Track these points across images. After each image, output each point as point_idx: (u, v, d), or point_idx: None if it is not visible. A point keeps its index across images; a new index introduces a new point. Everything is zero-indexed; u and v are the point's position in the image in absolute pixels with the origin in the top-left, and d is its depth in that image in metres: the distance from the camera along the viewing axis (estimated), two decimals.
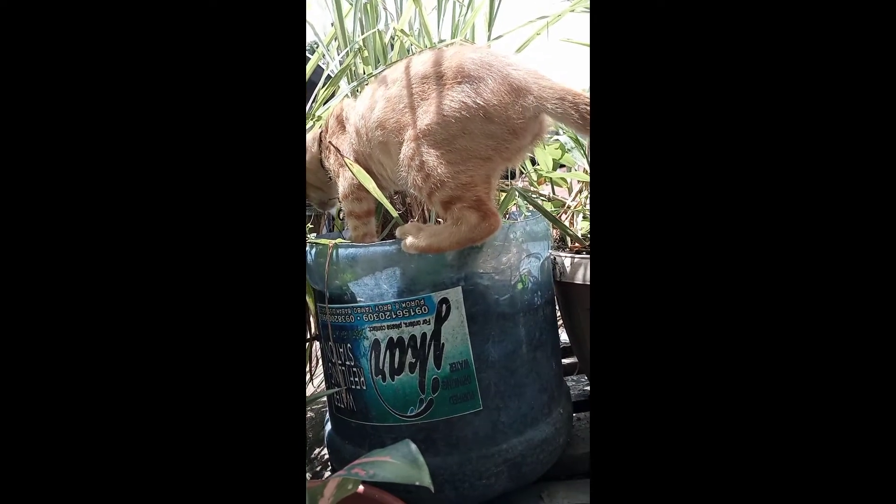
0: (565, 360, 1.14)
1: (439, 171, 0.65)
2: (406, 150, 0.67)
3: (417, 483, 0.47)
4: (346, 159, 0.75)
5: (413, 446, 0.50)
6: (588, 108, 0.61)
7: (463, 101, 0.63)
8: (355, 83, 0.85)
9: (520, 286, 0.75)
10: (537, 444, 0.76)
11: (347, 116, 0.78)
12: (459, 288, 0.71)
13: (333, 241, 0.75)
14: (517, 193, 0.78)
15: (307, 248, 0.78)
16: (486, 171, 0.66)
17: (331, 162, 0.80)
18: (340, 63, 0.84)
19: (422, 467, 0.48)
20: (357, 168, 0.73)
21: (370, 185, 0.71)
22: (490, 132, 0.63)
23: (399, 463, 0.48)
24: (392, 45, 0.90)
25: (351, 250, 0.73)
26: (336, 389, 0.78)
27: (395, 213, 0.71)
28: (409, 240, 0.69)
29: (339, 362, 0.77)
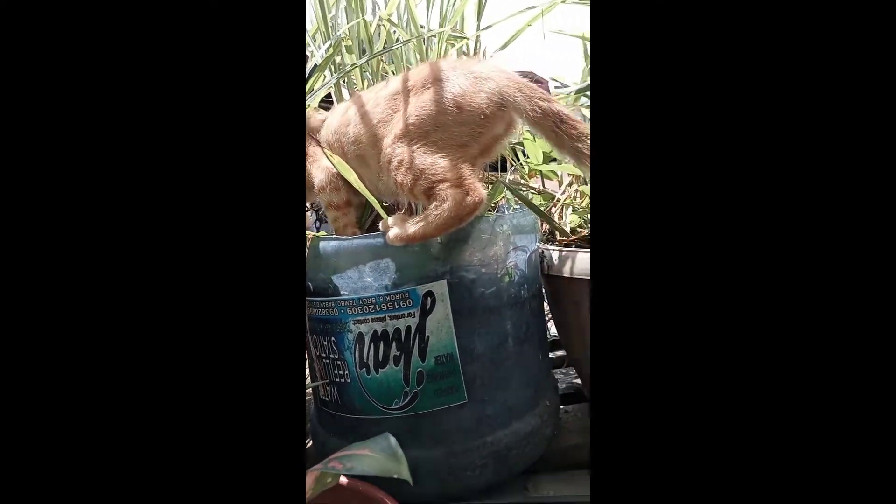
0: (554, 353, 1.14)
1: (418, 162, 0.66)
2: (384, 155, 0.70)
3: (396, 476, 0.46)
4: (325, 151, 0.75)
5: (392, 439, 0.49)
6: (541, 103, 0.65)
7: (432, 100, 0.67)
8: (339, 74, 0.84)
9: (506, 279, 0.75)
10: (523, 437, 0.76)
11: (315, 128, 0.81)
12: (444, 281, 0.71)
13: (314, 234, 0.74)
14: (505, 186, 0.77)
15: None
16: (464, 156, 0.68)
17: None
18: (325, 54, 0.83)
19: (400, 460, 0.48)
20: (337, 159, 0.73)
21: (351, 176, 0.71)
22: (462, 120, 0.66)
23: (378, 456, 0.48)
24: (378, 35, 0.89)
25: (334, 243, 0.72)
26: (320, 382, 0.78)
27: (377, 205, 0.71)
28: (394, 231, 0.68)
29: (323, 355, 0.77)
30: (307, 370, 0.83)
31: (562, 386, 1.04)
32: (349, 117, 0.76)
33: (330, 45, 0.82)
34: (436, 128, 0.67)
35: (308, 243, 0.73)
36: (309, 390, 0.83)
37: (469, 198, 0.65)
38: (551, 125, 0.65)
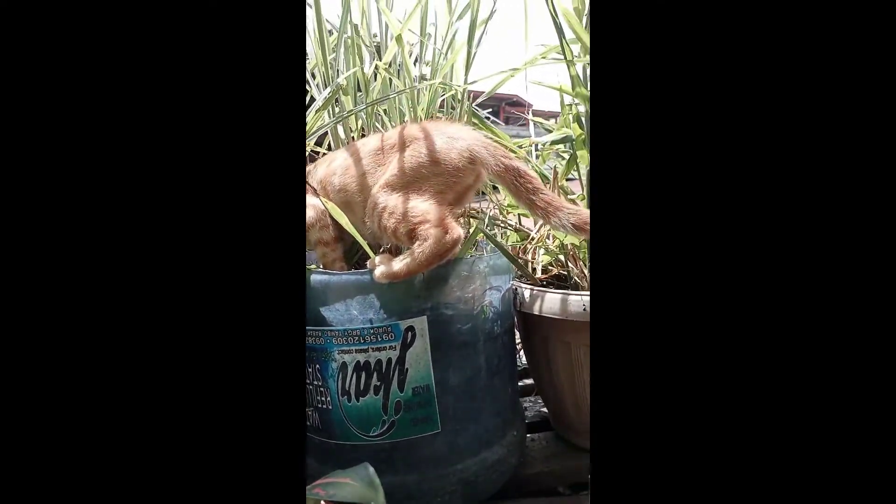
0: (524, 382, 1.20)
1: (401, 208, 0.75)
2: (370, 202, 0.78)
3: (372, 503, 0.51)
4: (319, 196, 0.81)
5: (371, 469, 0.54)
6: (504, 160, 0.76)
7: (412, 156, 0.77)
8: (338, 118, 0.90)
9: (482, 316, 0.81)
10: (490, 465, 0.82)
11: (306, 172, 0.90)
12: (425, 317, 0.76)
13: (307, 267, 0.79)
14: (481, 230, 0.84)
15: None
16: (443, 202, 0.76)
17: None
18: (326, 97, 0.89)
19: (377, 489, 0.53)
20: (330, 204, 0.79)
21: (343, 219, 0.77)
22: (438, 171, 0.76)
23: (357, 484, 0.53)
24: (375, 79, 0.95)
25: (324, 277, 0.77)
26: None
27: (364, 244, 0.77)
28: (381, 269, 0.74)
29: (308, 381, 0.81)
30: None
31: (530, 414, 1.10)
32: (334, 168, 0.84)
33: (330, 91, 0.88)
34: (416, 179, 0.76)
35: None
36: None
37: (448, 236, 0.71)
38: (511, 178, 0.76)
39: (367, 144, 0.83)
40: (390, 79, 0.96)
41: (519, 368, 1.03)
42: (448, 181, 0.76)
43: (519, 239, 1.05)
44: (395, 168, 0.77)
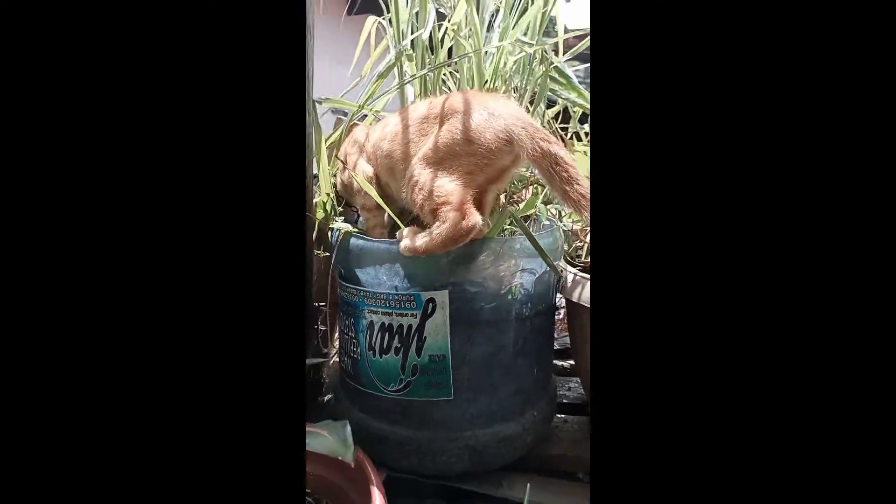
0: (567, 362, 1.18)
1: (430, 185, 0.75)
2: (407, 173, 0.79)
3: (340, 458, 0.58)
4: (352, 172, 0.87)
5: (348, 428, 0.61)
6: (542, 144, 0.71)
7: (449, 131, 0.75)
8: (399, 83, 0.91)
9: (508, 297, 0.81)
10: (501, 439, 0.84)
11: (361, 141, 0.92)
12: (447, 291, 0.78)
13: (346, 229, 0.85)
14: (511, 214, 0.81)
15: (334, 231, 0.90)
16: (470, 183, 0.75)
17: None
18: (390, 62, 0.90)
19: (349, 447, 0.59)
20: (360, 177, 0.84)
21: (372, 192, 0.81)
22: (471, 151, 0.74)
23: (332, 439, 0.59)
24: (442, 43, 0.94)
25: (360, 242, 0.83)
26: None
27: (394, 216, 0.80)
28: (405, 242, 0.77)
29: (345, 331, 0.90)
30: (336, 341, 0.98)
31: (571, 395, 1.08)
32: (385, 133, 0.86)
33: (394, 55, 0.89)
34: (448, 156, 0.75)
35: (340, 237, 0.85)
36: (337, 358, 0.97)
37: (464, 221, 0.71)
38: (548, 165, 0.70)
39: (416, 111, 0.83)
40: (463, 42, 0.93)
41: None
42: (479, 162, 0.74)
43: (572, 220, 1.00)
44: (432, 142, 0.77)
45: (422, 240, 0.75)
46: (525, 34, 0.90)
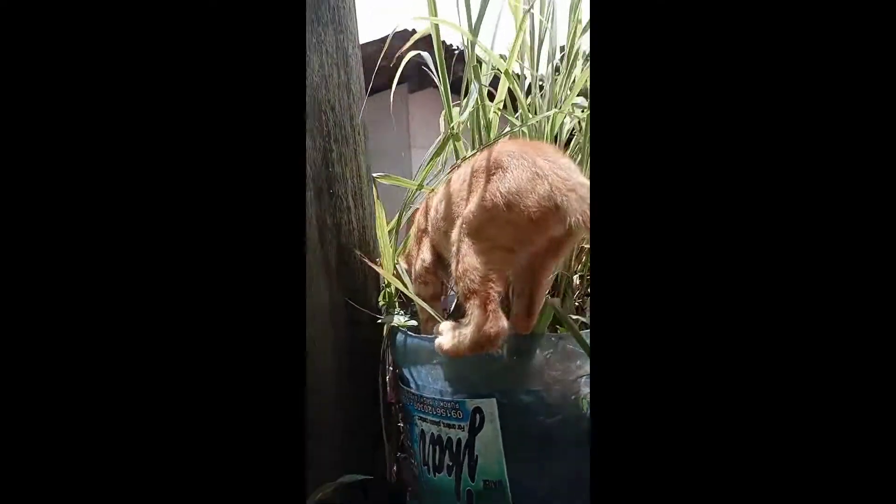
0: None
1: (468, 259, 0.61)
2: (452, 237, 0.66)
3: None
4: (377, 269, 0.78)
5: None
6: (588, 210, 0.55)
7: (490, 190, 0.61)
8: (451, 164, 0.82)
9: (575, 410, 0.61)
10: None
11: (423, 215, 0.81)
12: (494, 400, 0.63)
13: (396, 322, 0.76)
14: (553, 307, 0.62)
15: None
16: (507, 264, 0.61)
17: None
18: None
19: None
20: (387, 273, 0.76)
21: (398, 284, 0.72)
22: (510, 220, 0.60)
23: None
24: (489, 126, 0.83)
25: (401, 336, 0.74)
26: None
27: (433, 311, 0.68)
28: (439, 339, 0.65)
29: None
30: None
31: None
32: (442, 194, 0.74)
33: (447, 134, 0.81)
34: (489, 221, 0.61)
35: (387, 331, 0.77)
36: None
37: (488, 325, 0.56)
38: None
39: (461, 170, 0.71)
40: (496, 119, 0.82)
41: None
42: (520, 236, 0.60)
43: None
44: (474, 203, 0.63)
45: (453, 340, 0.62)
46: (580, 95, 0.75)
